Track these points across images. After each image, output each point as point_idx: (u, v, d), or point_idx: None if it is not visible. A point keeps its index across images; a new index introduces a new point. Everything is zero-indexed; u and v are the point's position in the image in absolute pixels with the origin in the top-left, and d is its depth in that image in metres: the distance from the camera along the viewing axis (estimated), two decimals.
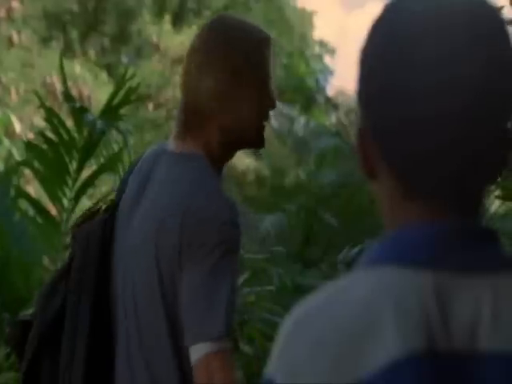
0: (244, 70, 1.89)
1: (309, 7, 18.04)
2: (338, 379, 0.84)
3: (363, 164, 0.96)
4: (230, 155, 1.96)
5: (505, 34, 0.91)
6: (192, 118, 1.91)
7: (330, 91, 17.75)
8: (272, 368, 0.89)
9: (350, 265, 4.57)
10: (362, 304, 0.87)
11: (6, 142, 7.77)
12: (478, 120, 0.89)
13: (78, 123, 4.03)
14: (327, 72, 18.36)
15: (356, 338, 0.85)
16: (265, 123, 1.95)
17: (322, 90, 17.73)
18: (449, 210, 0.92)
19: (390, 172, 0.93)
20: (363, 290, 0.88)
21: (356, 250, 4.64)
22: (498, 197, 4.13)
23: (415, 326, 0.86)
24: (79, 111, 4.03)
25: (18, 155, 5.72)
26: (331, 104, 16.72)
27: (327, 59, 18.59)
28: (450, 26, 0.89)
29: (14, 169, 4.68)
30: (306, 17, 18.10)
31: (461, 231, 0.92)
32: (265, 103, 1.93)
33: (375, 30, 0.94)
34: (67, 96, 4.12)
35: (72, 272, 1.99)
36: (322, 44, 18.27)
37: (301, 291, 4.97)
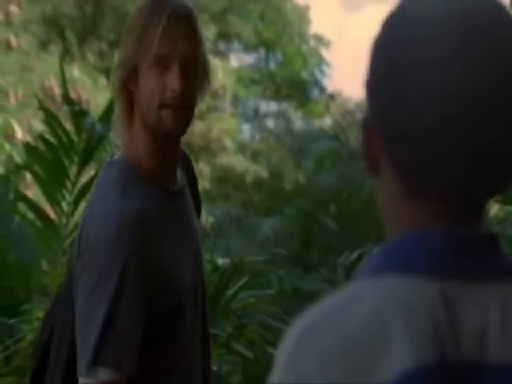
0: None
1: (306, 3, 17.97)
2: None
3: (367, 160, 0.94)
4: None
5: None
6: None
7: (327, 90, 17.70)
8: (278, 378, 0.86)
9: (349, 269, 4.56)
10: (370, 315, 0.85)
11: (7, 146, 7.76)
12: (488, 122, 0.87)
13: (78, 126, 4.01)
14: (323, 66, 18.23)
15: (367, 349, 0.84)
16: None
17: (318, 84, 17.66)
18: (454, 215, 0.90)
19: (395, 171, 0.91)
20: (371, 301, 0.86)
21: (355, 253, 4.63)
22: (497, 201, 4.12)
23: (425, 336, 0.84)
24: (79, 114, 4.02)
25: (19, 158, 5.71)
26: (328, 98, 16.63)
27: (324, 56, 18.43)
28: (459, 28, 0.87)
29: (13, 172, 4.67)
30: (303, 13, 17.99)
31: (467, 239, 0.90)
32: None
33: (385, 26, 0.92)
34: (67, 99, 4.10)
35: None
36: (317, 37, 18.11)
37: (300, 295, 4.96)
